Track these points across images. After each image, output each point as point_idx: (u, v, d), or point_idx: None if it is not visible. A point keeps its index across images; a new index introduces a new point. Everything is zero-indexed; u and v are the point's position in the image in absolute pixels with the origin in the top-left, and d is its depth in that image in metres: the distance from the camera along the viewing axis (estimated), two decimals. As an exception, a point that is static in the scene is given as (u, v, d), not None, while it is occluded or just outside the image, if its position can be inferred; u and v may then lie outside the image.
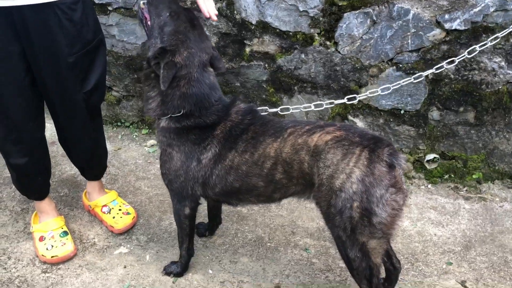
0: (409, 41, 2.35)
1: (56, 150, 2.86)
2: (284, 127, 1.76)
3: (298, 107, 2.03)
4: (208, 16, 1.85)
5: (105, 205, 2.40)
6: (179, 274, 2.10)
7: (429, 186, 2.61)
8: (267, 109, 1.96)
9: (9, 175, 2.51)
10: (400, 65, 2.41)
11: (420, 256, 2.19)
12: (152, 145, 2.98)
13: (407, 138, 2.57)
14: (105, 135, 2.34)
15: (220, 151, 1.81)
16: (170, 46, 1.76)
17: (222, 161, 1.81)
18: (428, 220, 2.38)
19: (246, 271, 2.13)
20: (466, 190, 2.56)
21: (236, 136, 1.80)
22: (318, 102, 2.02)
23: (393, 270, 1.90)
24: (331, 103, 1.98)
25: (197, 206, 1.99)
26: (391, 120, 2.56)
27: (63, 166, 2.83)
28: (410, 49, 2.37)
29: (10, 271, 2.16)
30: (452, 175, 2.60)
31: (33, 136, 2.06)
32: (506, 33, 2.09)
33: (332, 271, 2.12)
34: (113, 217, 2.34)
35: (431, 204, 2.49)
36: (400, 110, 2.52)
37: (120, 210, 2.38)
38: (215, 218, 2.27)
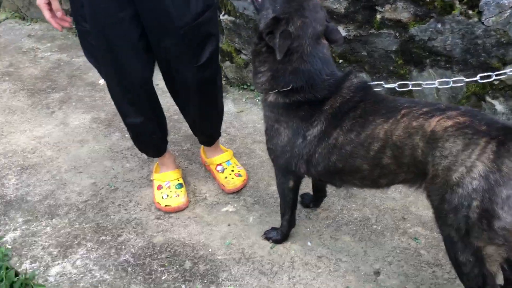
0: None
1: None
2: (398, 107, 1.54)
3: (420, 83, 1.77)
4: None
5: (219, 164, 2.44)
6: (278, 241, 2.06)
7: None
8: (383, 84, 1.75)
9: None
10: (558, 41, 2.01)
11: (550, 266, 1.87)
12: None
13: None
14: (231, 97, 2.32)
15: (326, 129, 1.66)
16: (284, 14, 1.62)
17: (326, 139, 1.67)
18: None
19: (346, 250, 2.01)
20: None
21: (343, 113, 1.64)
22: (443, 80, 1.75)
23: None
24: (458, 81, 1.70)
25: (301, 180, 1.91)
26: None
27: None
28: None
29: (129, 212, 2.32)
30: None
31: (148, 96, 2.10)
32: None
33: (441, 267, 1.90)
34: (225, 177, 2.37)
35: None
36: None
37: (232, 171, 2.40)
38: (319, 190, 2.17)
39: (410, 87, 1.76)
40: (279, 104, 1.74)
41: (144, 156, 2.65)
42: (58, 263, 2.07)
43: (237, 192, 2.37)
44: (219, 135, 2.45)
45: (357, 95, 1.65)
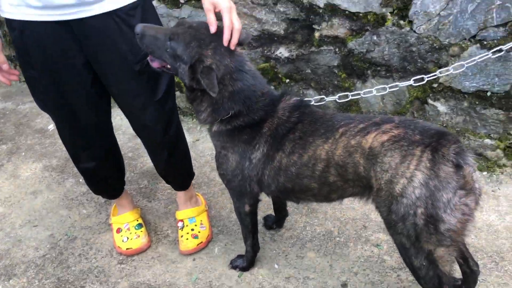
0: (494, 14, 2.05)
1: (139, 142, 2.93)
2: (336, 126, 1.57)
3: (360, 92, 1.81)
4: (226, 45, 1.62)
5: (181, 220, 2.31)
6: (244, 269, 2.06)
7: (523, 175, 2.30)
8: (324, 98, 1.78)
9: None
10: (485, 42, 2.12)
11: (507, 254, 1.95)
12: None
13: (495, 122, 2.27)
14: (185, 126, 2.23)
15: (268, 152, 1.68)
16: (193, 59, 1.60)
17: (271, 162, 1.69)
18: (519, 215, 2.10)
19: (313, 267, 2.02)
20: None
21: (282, 136, 1.65)
22: (380, 87, 1.81)
23: (470, 273, 1.70)
24: (393, 87, 1.75)
25: (257, 203, 1.91)
26: (477, 103, 2.27)
27: (144, 158, 2.90)
28: (495, 23, 2.07)
29: (90, 261, 2.26)
30: (552, 164, 2.26)
31: (101, 141, 2.05)
32: None
33: (405, 270, 1.94)
34: (181, 236, 2.25)
35: (525, 196, 2.19)
36: (487, 92, 2.22)
37: (192, 230, 2.25)
38: (280, 211, 2.18)
39: (350, 97, 1.80)
40: (222, 131, 1.75)
41: (101, 199, 2.61)
42: (21, 325, 1.99)
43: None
44: (192, 175, 2.35)
45: (293, 116, 1.67)
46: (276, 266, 2.06)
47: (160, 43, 1.63)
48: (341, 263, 2.02)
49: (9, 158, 3.16)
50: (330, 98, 1.78)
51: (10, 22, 1.71)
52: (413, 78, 1.80)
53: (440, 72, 1.73)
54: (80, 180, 2.79)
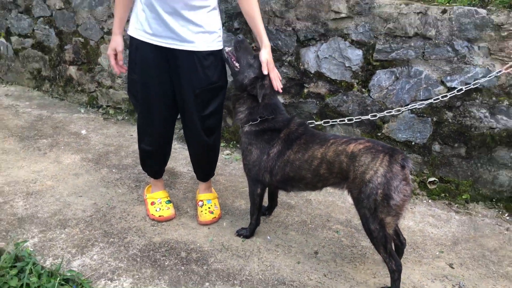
0: (421, 93, 2.80)
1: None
2: (327, 138, 2.12)
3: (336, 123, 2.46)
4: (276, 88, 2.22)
5: (201, 200, 2.67)
6: (247, 237, 2.49)
7: (429, 201, 2.97)
8: (314, 122, 2.41)
9: (127, 163, 3.02)
10: (413, 110, 2.87)
11: (420, 245, 2.53)
12: (227, 154, 3.46)
13: (415, 164, 2.96)
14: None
15: (281, 149, 2.21)
16: (260, 75, 2.21)
17: (282, 156, 2.21)
18: (427, 223, 2.73)
19: (294, 240, 2.52)
20: (457, 207, 2.90)
21: (292, 140, 2.20)
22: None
23: (401, 245, 2.25)
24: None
25: (265, 188, 2.40)
26: (404, 149, 2.96)
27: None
28: (421, 98, 2.81)
29: (129, 222, 2.60)
30: (447, 195, 2.93)
31: (161, 134, 2.47)
32: (483, 81, 2.47)
33: (356, 247, 2.49)
34: (201, 211, 2.62)
35: (430, 213, 2.84)
36: (412, 142, 2.93)
37: (209, 208, 2.62)
38: (273, 200, 2.67)
39: (330, 123, 2.45)
40: (252, 131, 2.28)
41: (132, 184, 2.99)
42: (78, 258, 2.29)
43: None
44: (213, 174, 2.72)
45: (299, 129, 2.23)
46: (268, 237, 2.54)
47: (247, 52, 2.23)
48: (313, 239, 2.54)
49: (50, 149, 3.43)
50: (319, 122, 2.40)
51: (131, 39, 2.24)
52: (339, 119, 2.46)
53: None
54: (113, 170, 3.16)
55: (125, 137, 3.68)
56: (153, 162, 2.63)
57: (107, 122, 3.98)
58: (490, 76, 2.29)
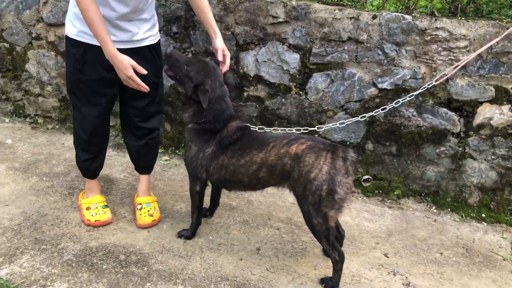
0: (354, 94, 3.01)
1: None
2: (267, 141, 2.16)
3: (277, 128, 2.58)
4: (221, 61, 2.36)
5: (140, 203, 2.68)
6: (188, 238, 2.50)
7: (364, 198, 3.16)
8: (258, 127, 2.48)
9: (59, 171, 2.94)
10: (348, 110, 3.06)
11: (357, 238, 2.69)
12: (166, 160, 3.46)
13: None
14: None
15: (216, 152, 2.26)
16: (198, 81, 2.24)
17: (216, 159, 2.26)
18: (363, 218, 2.91)
19: (236, 239, 2.57)
20: (390, 202, 3.12)
21: (226, 145, 2.23)
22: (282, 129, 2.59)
23: (340, 237, 2.38)
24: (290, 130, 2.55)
25: (205, 186, 2.43)
26: (340, 149, 3.15)
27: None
28: (355, 99, 3.00)
29: (62, 229, 2.52)
30: (380, 191, 3.14)
31: (101, 125, 2.52)
32: (416, 93, 2.71)
33: (296, 242, 2.59)
34: (140, 214, 2.62)
35: (365, 209, 3.02)
36: (347, 141, 3.13)
37: (148, 211, 2.63)
38: (215, 201, 2.71)
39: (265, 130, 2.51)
40: (194, 129, 2.33)
41: (65, 192, 2.90)
42: (6, 267, 2.19)
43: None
44: (152, 168, 2.77)
45: (236, 134, 2.27)
46: (210, 237, 2.57)
47: (179, 64, 2.27)
48: (255, 237, 2.60)
49: (-29, 159, 3.25)
50: (268, 129, 2.45)
51: (76, 42, 2.25)
52: (302, 129, 2.56)
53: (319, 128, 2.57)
54: (44, 178, 3.04)
55: (56, 145, 3.56)
56: (91, 166, 2.63)
57: (35, 132, 3.82)
58: (423, 88, 2.51)
